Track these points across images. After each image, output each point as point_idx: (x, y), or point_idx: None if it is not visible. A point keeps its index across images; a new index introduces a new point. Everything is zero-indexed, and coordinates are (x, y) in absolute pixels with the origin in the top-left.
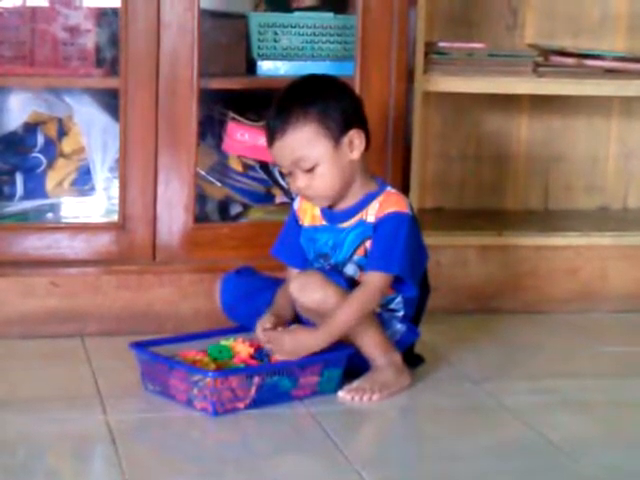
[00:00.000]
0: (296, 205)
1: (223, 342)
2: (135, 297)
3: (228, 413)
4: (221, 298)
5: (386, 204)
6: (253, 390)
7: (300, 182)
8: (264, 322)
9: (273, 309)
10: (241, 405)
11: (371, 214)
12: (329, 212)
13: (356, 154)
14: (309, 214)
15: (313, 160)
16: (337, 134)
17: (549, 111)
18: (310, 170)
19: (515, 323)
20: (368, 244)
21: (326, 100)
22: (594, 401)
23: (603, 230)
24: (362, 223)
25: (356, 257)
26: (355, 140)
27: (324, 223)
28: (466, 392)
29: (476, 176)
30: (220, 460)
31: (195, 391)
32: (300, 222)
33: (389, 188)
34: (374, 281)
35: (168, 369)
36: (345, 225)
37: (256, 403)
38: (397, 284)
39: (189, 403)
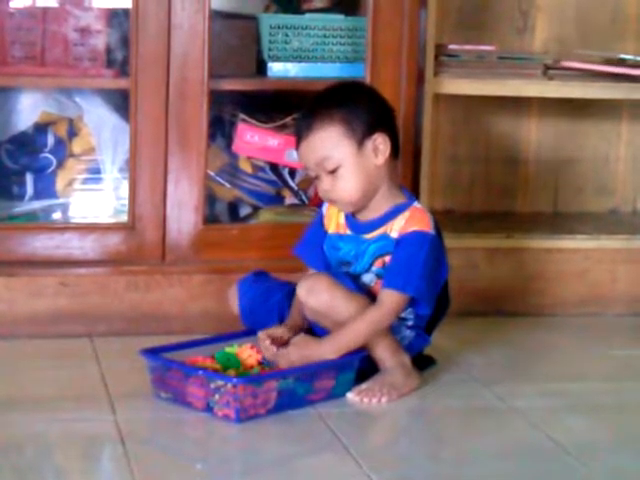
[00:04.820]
0: (324, 209)
1: (227, 349)
2: (144, 298)
3: (250, 419)
4: (239, 302)
5: (411, 221)
6: (274, 396)
7: (324, 184)
8: (272, 331)
9: (287, 321)
10: (262, 411)
11: (395, 229)
12: (354, 221)
13: (381, 159)
14: (334, 221)
15: (336, 161)
16: (361, 137)
17: (559, 114)
18: (333, 172)
19: (524, 326)
20: (387, 258)
21: (353, 104)
22: (603, 404)
23: (613, 233)
24: (385, 237)
25: (374, 268)
26: (379, 145)
27: (348, 232)
28: (475, 394)
29: (486, 178)
30: (228, 462)
31: (216, 397)
32: (325, 227)
33: (416, 203)
34: (390, 301)
35: (185, 375)
36: (368, 236)
37: (276, 409)
38: (412, 301)
39: (208, 410)
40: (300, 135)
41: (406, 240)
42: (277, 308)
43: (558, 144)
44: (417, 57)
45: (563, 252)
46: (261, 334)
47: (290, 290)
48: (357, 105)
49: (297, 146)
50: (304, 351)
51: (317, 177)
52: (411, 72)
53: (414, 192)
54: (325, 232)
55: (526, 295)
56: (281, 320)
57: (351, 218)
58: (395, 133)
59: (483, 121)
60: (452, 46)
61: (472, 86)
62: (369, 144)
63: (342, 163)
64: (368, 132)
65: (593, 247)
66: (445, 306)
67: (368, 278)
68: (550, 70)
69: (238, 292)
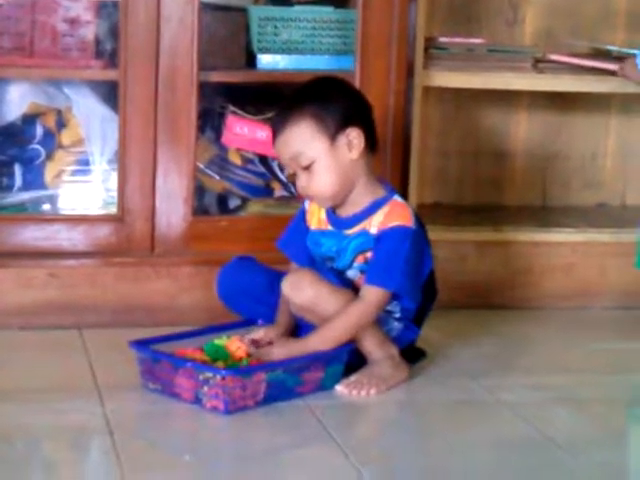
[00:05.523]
0: (306, 205)
1: (216, 341)
2: (133, 289)
3: (239, 411)
4: (218, 288)
5: (390, 216)
6: (263, 387)
7: (301, 181)
8: (257, 335)
9: (275, 322)
10: (251, 403)
11: (374, 225)
12: (334, 217)
13: (355, 153)
14: (316, 217)
15: (309, 156)
16: (333, 132)
17: (548, 107)
18: (308, 168)
19: (512, 319)
20: (369, 254)
21: (326, 99)
22: (591, 397)
23: (601, 227)
24: (365, 233)
25: (356, 264)
26: (353, 139)
27: (329, 228)
28: (463, 387)
29: (474, 172)
30: (216, 454)
31: (205, 389)
32: (308, 223)
33: (396, 197)
34: (371, 296)
35: (173, 367)
36: (349, 232)
37: (265, 400)
38: (396, 295)
39: (197, 401)
40: (275, 131)
41: (387, 235)
42: (259, 293)
43: (547, 138)
44: (407, 50)
45: (551, 245)
46: (246, 339)
47: (273, 276)
48: (329, 100)
49: (273, 142)
50: (288, 350)
51: (294, 174)
52: (401, 65)
53: (403, 185)
54: (307, 228)
55: (514, 288)
56: (262, 304)
57: (332, 214)
58: (370, 127)
59: (472, 114)
60: (442, 39)
61: (462, 79)
62: (342, 139)
63: (316, 158)
64: (341, 127)
65: (581, 240)
66: (432, 297)
67: (352, 274)
68: (540, 63)
69: (219, 277)
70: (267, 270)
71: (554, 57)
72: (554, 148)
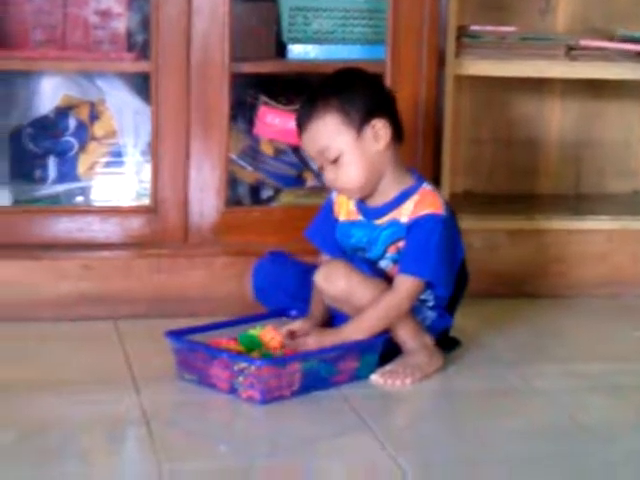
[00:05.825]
0: (334, 196)
1: (251, 331)
2: (167, 280)
3: (275, 401)
4: (253, 285)
5: (421, 205)
6: (298, 377)
7: (329, 174)
8: (292, 327)
9: (308, 315)
10: (287, 392)
11: (405, 214)
12: (364, 207)
13: (382, 144)
14: (344, 208)
15: (336, 150)
16: (359, 124)
17: (581, 95)
18: (336, 161)
19: (546, 307)
20: (400, 244)
21: (349, 91)
22: (625, 385)
23: (635, 214)
24: (395, 223)
25: (389, 254)
26: (379, 130)
27: (359, 218)
28: (498, 375)
29: (507, 160)
30: (253, 444)
31: (241, 379)
32: (336, 215)
33: (425, 184)
34: (405, 286)
35: (209, 357)
36: (379, 222)
37: (300, 390)
38: (429, 283)
39: (233, 392)
40: (300, 126)
41: (418, 224)
42: (290, 287)
43: (580, 125)
44: (438, 38)
45: (585, 233)
46: (283, 330)
47: (304, 270)
48: (353, 92)
49: (299, 137)
50: (322, 340)
51: (322, 167)
52: (432, 53)
53: (435, 174)
54: (335, 219)
55: (548, 276)
56: (296, 299)
57: (361, 204)
58: (395, 117)
59: (505, 102)
60: (474, 27)
61: (494, 67)
62: (368, 130)
63: (343, 152)
64: (366, 119)
65: (615, 228)
66: (464, 284)
67: (384, 264)
68: (573, 51)
69: (253, 271)
70: (299, 264)
71: (585, 42)
72: (587, 136)
